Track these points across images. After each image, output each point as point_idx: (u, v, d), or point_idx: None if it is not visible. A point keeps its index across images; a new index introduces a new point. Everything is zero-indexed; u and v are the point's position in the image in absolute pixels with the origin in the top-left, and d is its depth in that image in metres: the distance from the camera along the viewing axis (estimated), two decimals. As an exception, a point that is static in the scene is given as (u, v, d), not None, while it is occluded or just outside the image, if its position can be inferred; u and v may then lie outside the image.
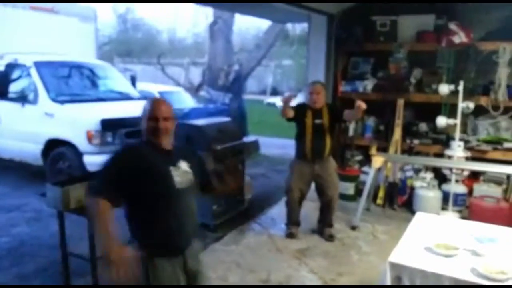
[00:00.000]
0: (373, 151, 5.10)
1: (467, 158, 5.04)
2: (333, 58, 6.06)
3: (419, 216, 3.26)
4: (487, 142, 5.24)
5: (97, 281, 3.24)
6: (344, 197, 5.30)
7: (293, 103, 4.32)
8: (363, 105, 3.92)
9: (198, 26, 23.03)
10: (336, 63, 6.09)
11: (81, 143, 5.63)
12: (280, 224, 4.76)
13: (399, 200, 5.43)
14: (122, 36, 23.43)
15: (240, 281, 3.64)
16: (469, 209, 4.93)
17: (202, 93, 12.68)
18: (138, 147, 2.25)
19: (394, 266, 2.46)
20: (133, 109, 6.39)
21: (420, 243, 2.70)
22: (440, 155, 5.31)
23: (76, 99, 6.22)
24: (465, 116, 5.19)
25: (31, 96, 6.10)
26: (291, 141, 4.54)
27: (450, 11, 5.44)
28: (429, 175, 5.39)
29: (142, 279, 2.05)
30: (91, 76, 6.97)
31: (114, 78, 7.38)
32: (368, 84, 5.87)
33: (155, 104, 2.20)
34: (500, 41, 5.07)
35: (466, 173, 5.08)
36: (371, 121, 5.99)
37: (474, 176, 5.29)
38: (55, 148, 5.87)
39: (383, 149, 5.43)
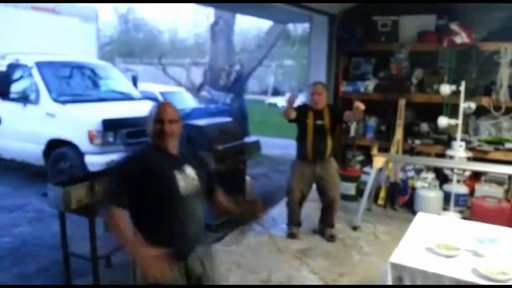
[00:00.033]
0: (374, 151, 5.10)
1: (468, 159, 5.03)
2: (335, 58, 6.06)
3: (420, 216, 3.26)
4: (489, 142, 5.24)
5: (98, 281, 3.25)
6: (345, 197, 5.30)
7: (295, 103, 4.32)
8: (361, 106, 3.91)
9: (199, 27, 23.07)
10: (337, 63, 6.09)
11: (83, 143, 5.64)
12: (281, 224, 4.76)
13: (400, 200, 5.43)
14: (124, 36, 23.45)
15: (240, 281, 3.64)
16: (470, 209, 4.92)
17: (203, 93, 12.69)
18: (143, 152, 2.22)
19: (395, 266, 2.46)
20: (135, 109, 6.44)
21: (421, 244, 2.69)
22: (441, 155, 5.30)
23: (77, 99, 6.23)
24: (466, 116, 5.18)
25: (32, 96, 6.12)
26: (293, 141, 4.54)
27: (451, 11, 5.44)
28: (430, 176, 5.39)
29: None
30: (93, 76, 6.98)
31: (115, 78, 7.39)
32: (370, 85, 5.87)
33: (161, 107, 2.18)
34: (501, 42, 5.07)
35: (467, 173, 5.08)
36: (372, 121, 5.98)
37: (476, 176, 5.28)
38: (57, 148, 5.88)
39: (384, 149, 5.43)
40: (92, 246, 3.18)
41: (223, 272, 3.73)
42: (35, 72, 6.14)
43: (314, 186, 4.47)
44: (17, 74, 6.31)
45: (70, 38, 7.38)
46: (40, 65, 6.22)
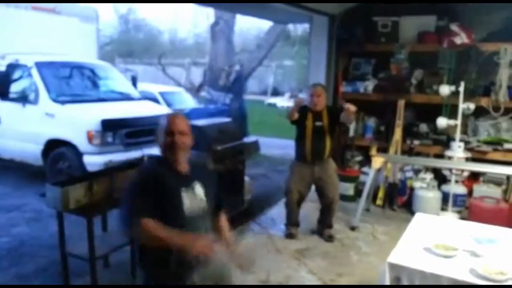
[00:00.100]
0: (373, 151, 5.11)
1: (467, 159, 5.04)
2: (334, 59, 6.06)
3: (418, 216, 3.26)
4: (488, 143, 5.24)
5: (96, 281, 3.24)
6: (343, 197, 5.29)
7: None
8: (351, 108, 3.93)
9: (199, 27, 23.07)
10: (337, 64, 6.09)
11: (82, 143, 5.64)
12: (279, 224, 4.76)
13: (398, 200, 5.43)
14: (124, 36, 23.45)
15: (239, 281, 3.63)
16: (468, 209, 4.92)
17: (203, 93, 12.68)
18: (153, 167, 2.16)
19: (393, 266, 2.46)
20: (134, 109, 6.46)
21: (420, 244, 2.69)
22: (440, 156, 5.30)
23: (77, 99, 6.22)
24: (465, 117, 5.19)
25: (32, 96, 6.11)
26: (292, 141, 4.54)
27: (451, 12, 5.44)
28: (429, 176, 5.39)
29: None
30: (92, 77, 6.98)
31: (115, 78, 7.39)
32: (369, 85, 5.87)
33: (171, 119, 2.13)
34: (501, 42, 5.08)
35: (466, 173, 5.08)
36: (371, 122, 5.99)
37: (474, 177, 5.29)
38: (55, 148, 5.88)
39: (383, 150, 5.43)
40: (90, 246, 3.18)
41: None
42: (34, 72, 6.14)
43: (313, 187, 4.47)
44: (16, 74, 6.30)
45: (70, 38, 7.37)
46: (39, 65, 6.22)
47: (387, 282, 2.45)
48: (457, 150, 4.97)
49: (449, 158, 5.07)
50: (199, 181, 2.14)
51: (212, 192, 2.19)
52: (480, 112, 5.30)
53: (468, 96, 5.01)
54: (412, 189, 5.36)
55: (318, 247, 4.34)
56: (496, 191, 5.01)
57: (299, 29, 17.61)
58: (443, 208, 5.07)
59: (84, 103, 6.21)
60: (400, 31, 5.69)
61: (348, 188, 5.61)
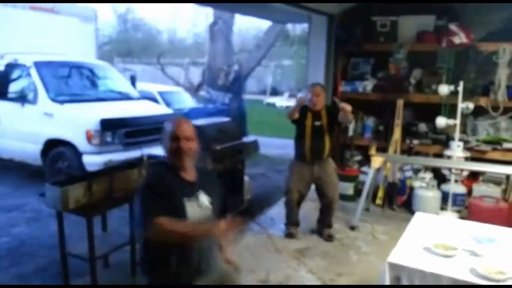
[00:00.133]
0: (372, 151, 5.11)
1: (466, 159, 5.04)
2: (333, 59, 6.06)
3: (418, 216, 3.26)
4: (487, 142, 5.25)
5: (96, 281, 3.24)
6: (343, 197, 5.29)
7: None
8: (347, 107, 3.94)
9: (198, 26, 23.11)
10: (336, 64, 6.09)
11: (81, 143, 5.63)
12: (279, 224, 4.76)
13: (398, 200, 5.43)
14: (122, 36, 23.45)
15: (239, 281, 3.63)
16: (468, 209, 4.93)
17: (202, 93, 12.68)
18: (159, 172, 2.15)
19: (393, 266, 2.46)
20: (133, 109, 6.45)
21: (419, 243, 2.70)
22: (439, 155, 5.31)
23: (75, 99, 6.21)
24: (464, 116, 5.20)
25: (30, 96, 6.09)
26: (291, 141, 4.55)
27: (450, 11, 5.45)
28: (428, 175, 5.39)
29: None
30: (91, 76, 6.97)
31: (113, 78, 7.38)
32: (368, 85, 5.87)
33: (177, 124, 2.11)
34: (500, 42, 5.08)
35: (465, 173, 5.08)
36: (370, 121, 5.99)
37: (474, 176, 5.29)
38: (54, 148, 5.87)
39: (382, 149, 5.44)
40: (90, 246, 3.18)
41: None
42: (33, 71, 6.13)
43: (313, 186, 4.47)
44: (15, 74, 6.28)
45: (69, 38, 7.36)
46: (38, 65, 6.21)
47: (387, 281, 2.45)
48: (457, 150, 4.98)
49: (449, 157, 5.08)
50: (205, 189, 2.13)
51: (217, 199, 2.19)
52: (479, 112, 5.31)
53: (467, 96, 5.02)
54: (411, 188, 5.37)
55: (318, 246, 4.34)
56: (495, 191, 5.02)
57: (298, 28, 17.63)
58: (443, 207, 5.08)
59: (83, 103, 6.20)
60: (399, 30, 5.70)
61: (348, 188, 5.61)
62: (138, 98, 7.06)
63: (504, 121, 5.34)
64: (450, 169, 5.02)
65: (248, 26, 20.08)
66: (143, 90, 8.11)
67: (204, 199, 2.11)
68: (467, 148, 5.15)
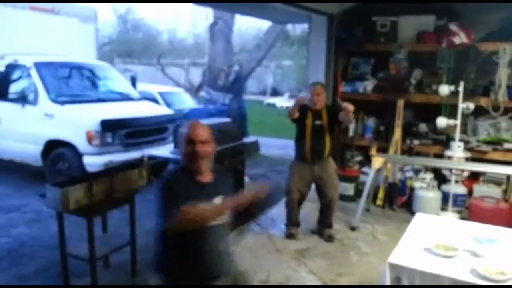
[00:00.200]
0: (373, 151, 5.10)
1: (467, 159, 5.04)
2: (333, 59, 6.06)
3: (418, 216, 3.26)
4: (487, 142, 5.24)
5: (96, 282, 3.24)
6: (343, 197, 5.30)
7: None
8: (349, 107, 3.94)
9: (198, 27, 23.11)
10: (336, 64, 6.09)
11: (81, 144, 5.64)
12: (279, 224, 4.75)
13: (398, 200, 5.43)
14: (123, 36, 23.45)
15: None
16: (468, 209, 4.92)
17: (202, 93, 12.68)
18: (175, 175, 2.13)
19: (393, 266, 2.46)
20: (133, 110, 6.45)
21: (420, 244, 2.69)
22: (440, 155, 5.30)
23: (76, 99, 6.22)
24: (465, 116, 5.19)
25: (31, 97, 6.10)
26: (291, 141, 4.55)
27: (450, 11, 5.44)
28: (428, 176, 5.39)
29: None
30: (91, 77, 6.97)
31: (114, 78, 7.39)
32: (368, 85, 5.87)
33: (192, 128, 2.11)
34: (500, 42, 5.08)
35: (466, 173, 5.08)
36: (371, 122, 5.99)
37: (474, 176, 5.29)
38: (55, 149, 5.87)
39: (383, 150, 5.43)
40: (90, 247, 3.18)
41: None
42: (33, 72, 6.13)
43: (313, 186, 4.47)
44: (15, 75, 6.29)
45: (69, 38, 7.36)
46: (38, 66, 6.21)
47: (388, 282, 2.45)
48: (457, 150, 4.98)
49: (449, 158, 5.07)
50: (221, 192, 2.11)
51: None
52: (479, 112, 5.30)
53: (468, 96, 5.01)
54: (412, 189, 5.37)
55: (318, 247, 4.34)
56: (496, 191, 5.01)
57: (298, 29, 17.62)
58: (443, 208, 5.07)
59: (84, 104, 6.20)
60: (399, 30, 5.70)
61: (348, 188, 5.61)
62: (139, 99, 7.06)
63: (504, 121, 5.33)
64: (450, 170, 5.02)
65: (248, 26, 20.10)
66: (143, 91, 8.11)
67: (219, 201, 2.09)
68: (467, 149, 5.14)
